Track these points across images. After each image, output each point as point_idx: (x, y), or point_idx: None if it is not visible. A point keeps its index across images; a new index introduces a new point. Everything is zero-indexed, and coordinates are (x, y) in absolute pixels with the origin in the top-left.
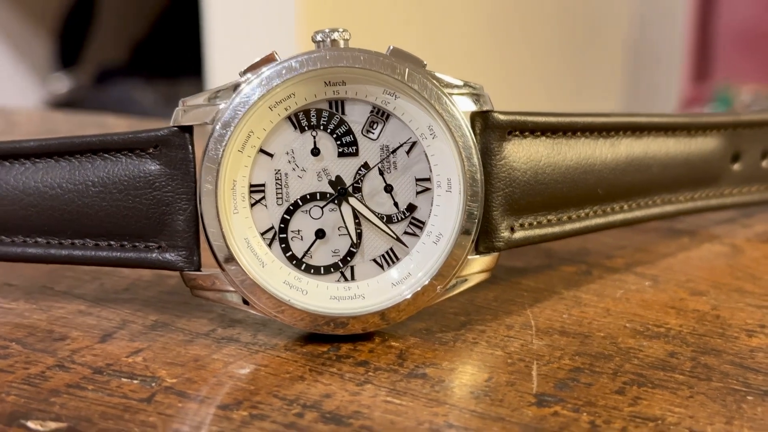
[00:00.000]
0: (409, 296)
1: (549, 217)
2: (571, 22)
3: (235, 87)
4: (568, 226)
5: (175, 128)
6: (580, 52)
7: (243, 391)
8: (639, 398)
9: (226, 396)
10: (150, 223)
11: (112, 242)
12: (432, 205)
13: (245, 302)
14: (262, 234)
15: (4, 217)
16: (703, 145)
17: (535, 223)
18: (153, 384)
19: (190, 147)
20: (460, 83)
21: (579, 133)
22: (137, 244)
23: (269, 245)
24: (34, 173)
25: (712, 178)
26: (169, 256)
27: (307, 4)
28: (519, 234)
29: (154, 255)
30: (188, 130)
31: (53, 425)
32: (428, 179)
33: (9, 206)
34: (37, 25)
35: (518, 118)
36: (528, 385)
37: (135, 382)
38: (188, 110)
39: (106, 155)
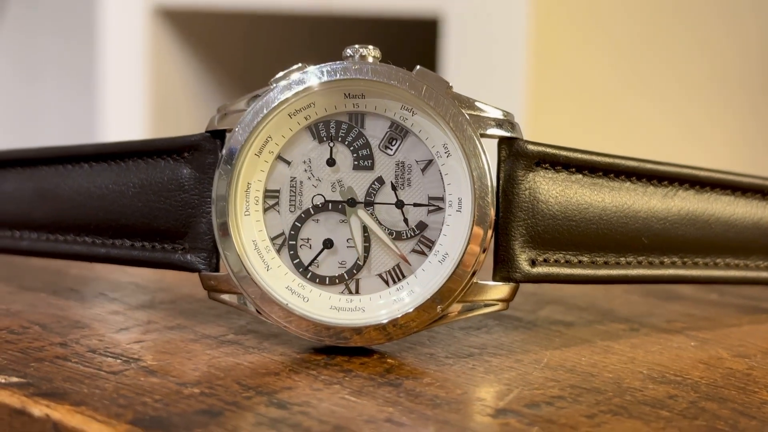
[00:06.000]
0: (408, 313)
1: (581, 257)
2: None
3: None
4: (603, 271)
5: (207, 134)
6: None
7: (210, 376)
8: (605, 423)
9: (192, 378)
10: (177, 224)
11: (145, 243)
12: (442, 225)
13: (258, 312)
14: (273, 239)
15: (61, 217)
16: None
17: (563, 260)
18: (132, 364)
19: (219, 152)
20: (492, 108)
21: (624, 177)
22: (166, 245)
23: (278, 251)
24: (90, 175)
25: None
26: (190, 257)
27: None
28: (541, 269)
29: (176, 256)
30: (220, 135)
31: (15, 380)
32: (441, 198)
33: (63, 205)
34: None
35: (548, 150)
36: (499, 402)
37: (118, 361)
38: (227, 115)
39: (150, 159)
